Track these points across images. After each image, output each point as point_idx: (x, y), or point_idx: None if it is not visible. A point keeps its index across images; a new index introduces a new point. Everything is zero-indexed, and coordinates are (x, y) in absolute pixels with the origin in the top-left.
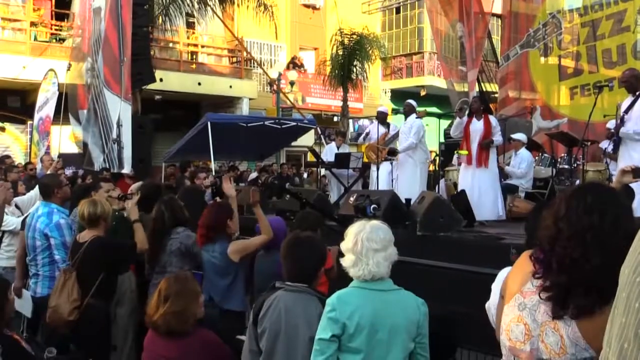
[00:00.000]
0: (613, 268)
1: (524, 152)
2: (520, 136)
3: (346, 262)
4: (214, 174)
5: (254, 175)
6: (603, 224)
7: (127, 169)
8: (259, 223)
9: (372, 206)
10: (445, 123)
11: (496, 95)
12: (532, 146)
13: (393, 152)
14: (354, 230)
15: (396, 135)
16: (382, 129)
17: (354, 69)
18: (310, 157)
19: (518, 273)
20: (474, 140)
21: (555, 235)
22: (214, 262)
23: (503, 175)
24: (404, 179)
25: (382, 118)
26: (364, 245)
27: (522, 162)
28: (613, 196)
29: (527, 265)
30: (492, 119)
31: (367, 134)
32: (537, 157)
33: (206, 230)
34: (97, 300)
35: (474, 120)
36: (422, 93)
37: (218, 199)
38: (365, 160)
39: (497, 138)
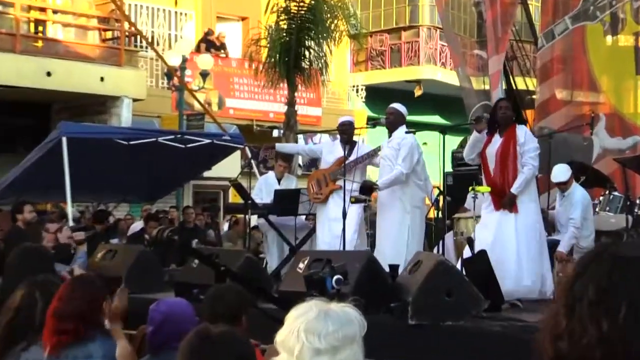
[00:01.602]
0: None
1: (576, 190)
2: (560, 173)
3: None
4: (71, 224)
5: (137, 226)
6: None
7: None
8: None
9: (336, 277)
10: (454, 141)
11: (535, 97)
12: (593, 179)
13: (368, 189)
14: (293, 316)
15: (367, 158)
16: (340, 150)
17: (307, 53)
18: (233, 197)
19: None
20: (493, 169)
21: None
22: None
23: (546, 226)
24: (387, 233)
25: (346, 133)
26: (300, 340)
27: (574, 206)
28: None
29: None
30: (521, 131)
31: (318, 159)
32: (601, 197)
33: (71, 323)
34: None
35: (497, 137)
36: (418, 92)
37: (76, 268)
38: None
39: (529, 162)
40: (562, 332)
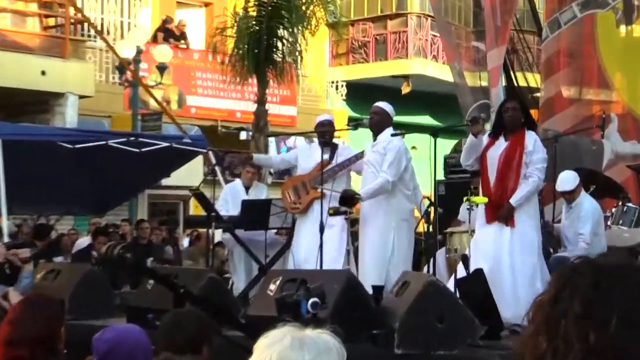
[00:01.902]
0: None
1: (585, 201)
2: (566, 181)
3: None
4: (6, 239)
5: (83, 242)
6: None
7: None
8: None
9: (312, 300)
10: (446, 144)
11: (538, 95)
12: (604, 188)
13: (348, 199)
14: (264, 344)
15: (350, 164)
16: (319, 154)
17: (279, 44)
18: (195, 208)
19: None
20: (493, 177)
21: None
22: None
23: (552, 241)
24: (370, 250)
25: (324, 135)
26: None
27: (582, 220)
28: None
29: None
30: (530, 137)
31: (292, 168)
32: (613, 209)
33: (26, 350)
34: None
35: (501, 141)
36: (406, 89)
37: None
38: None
39: (534, 174)
40: (544, 352)
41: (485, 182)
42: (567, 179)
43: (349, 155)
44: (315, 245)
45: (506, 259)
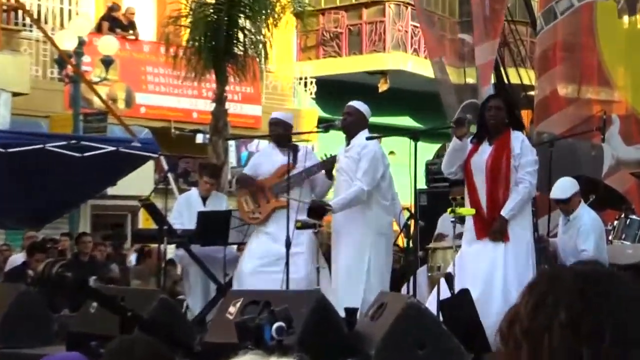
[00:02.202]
0: None
1: (584, 213)
2: (560, 188)
3: None
4: None
5: (17, 259)
6: None
7: None
8: None
9: (277, 325)
10: (429, 149)
11: (532, 93)
12: (604, 198)
13: (318, 211)
14: None
15: (312, 172)
16: (280, 157)
17: (241, 36)
18: (144, 221)
19: None
20: (481, 187)
21: None
22: None
23: (547, 258)
24: (343, 268)
25: (280, 134)
26: None
27: (583, 235)
28: None
29: None
30: (517, 139)
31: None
32: (615, 222)
33: None
34: None
35: (485, 146)
36: (383, 87)
37: None
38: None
39: (525, 179)
40: None
41: (473, 193)
42: (563, 186)
43: (314, 160)
44: (274, 261)
45: (499, 282)
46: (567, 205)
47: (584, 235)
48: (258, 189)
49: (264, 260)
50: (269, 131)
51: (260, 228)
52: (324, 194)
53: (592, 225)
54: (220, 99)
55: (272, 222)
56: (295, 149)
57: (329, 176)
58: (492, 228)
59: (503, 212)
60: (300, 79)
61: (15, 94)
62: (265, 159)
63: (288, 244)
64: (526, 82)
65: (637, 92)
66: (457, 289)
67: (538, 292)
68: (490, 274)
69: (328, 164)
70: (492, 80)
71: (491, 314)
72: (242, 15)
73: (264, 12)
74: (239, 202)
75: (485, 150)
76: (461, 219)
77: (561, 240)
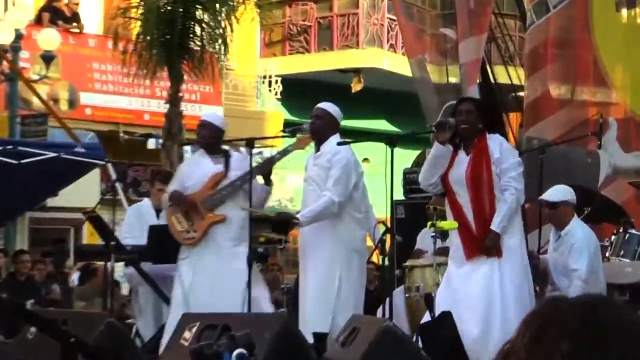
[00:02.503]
0: None
1: (577, 229)
2: (559, 193)
3: None
4: None
5: None
6: None
7: None
8: None
9: (237, 352)
10: (407, 156)
11: (522, 94)
12: (601, 211)
13: (284, 225)
14: None
15: (248, 179)
16: (211, 165)
17: (198, 30)
18: (89, 236)
19: None
20: (465, 202)
21: None
22: None
23: (537, 277)
24: (312, 288)
25: (209, 136)
26: None
27: (575, 253)
28: None
29: None
30: (494, 142)
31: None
32: (613, 237)
33: None
34: None
35: (462, 156)
36: (356, 87)
37: None
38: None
39: (510, 185)
40: None
41: (457, 209)
42: (556, 190)
43: (242, 170)
44: (222, 287)
45: (497, 317)
46: (555, 212)
47: (576, 253)
48: (190, 206)
49: (207, 286)
50: (197, 135)
51: (194, 251)
52: (262, 202)
53: (586, 243)
54: (175, 99)
55: (209, 242)
56: (227, 155)
57: (267, 182)
58: (485, 246)
59: (493, 227)
60: (265, 77)
61: None
62: (194, 168)
63: (250, 261)
64: (515, 82)
65: (637, 94)
66: (438, 311)
67: (537, 324)
68: (487, 308)
69: (265, 168)
70: (478, 79)
71: (490, 352)
72: (199, 6)
73: (223, 3)
74: (170, 221)
75: (463, 160)
76: (443, 234)
77: (552, 257)
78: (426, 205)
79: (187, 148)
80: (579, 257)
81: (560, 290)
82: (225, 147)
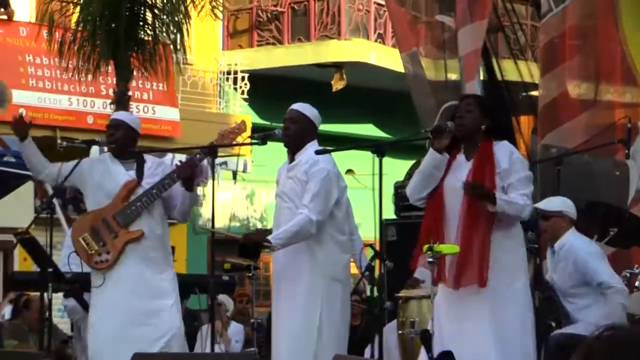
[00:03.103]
0: None
1: (573, 238)
2: (554, 203)
3: None
4: None
5: None
6: None
7: None
8: None
9: None
10: (398, 166)
11: (535, 94)
12: (629, 234)
13: (253, 247)
14: None
15: (166, 186)
16: (122, 172)
17: (149, 16)
18: (21, 262)
19: None
20: (452, 213)
21: None
22: None
23: (553, 310)
24: (287, 324)
25: (123, 138)
26: None
27: (582, 264)
28: None
29: None
30: (503, 150)
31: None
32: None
33: None
34: None
35: (461, 161)
36: (338, 84)
37: None
38: None
39: (517, 202)
40: None
41: (440, 222)
42: (553, 199)
43: (163, 173)
44: (141, 318)
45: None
46: (547, 223)
47: (587, 265)
48: (98, 222)
49: (128, 318)
50: (107, 136)
51: (109, 274)
52: (186, 212)
53: (589, 249)
54: (122, 99)
55: (124, 264)
56: (140, 160)
57: (188, 187)
58: (469, 185)
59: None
60: (229, 73)
61: None
62: (104, 177)
63: (214, 292)
64: (527, 78)
65: None
66: (437, 350)
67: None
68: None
69: (183, 171)
70: (481, 75)
71: None
72: None
73: None
74: (77, 244)
75: (462, 165)
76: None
77: (551, 279)
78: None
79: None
80: (593, 265)
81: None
82: (138, 151)
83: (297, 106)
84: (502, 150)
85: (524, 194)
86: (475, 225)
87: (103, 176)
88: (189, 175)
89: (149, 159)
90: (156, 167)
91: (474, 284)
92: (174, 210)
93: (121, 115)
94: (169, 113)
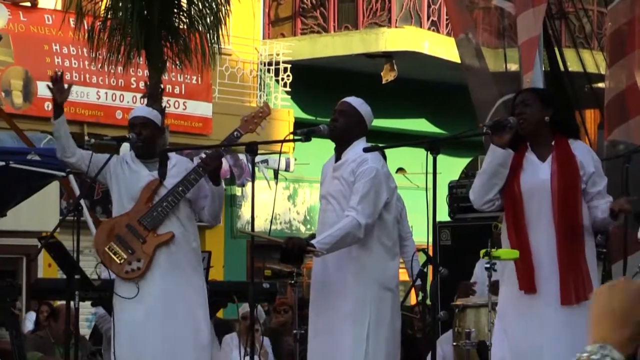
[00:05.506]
0: None
1: None
2: None
3: None
4: None
5: None
6: None
7: None
8: None
9: None
10: (453, 164)
11: (601, 86)
12: None
13: (294, 254)
14: None
15: (192, 182)
16: (145, 172)
17: (184, 3)
18: (46, 267)
19: None
20: (536, 219)
21: None
22: None
23: None
24: (332, 339)
25: (150, 137)
26: None
27: None
28: None
29: None
30: (584, 152)
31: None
32: None
33: None
34: None
35: (532, 159)
36: (388, 76)
37: None
38: None
39: (600, 208)
40: None
41: (519, 226)
42: None
43: (187, 169)
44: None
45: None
46: None
47: None
48: (123, 229)
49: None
50: (136, 136)
51: (143, 284)
52: (216, 212)
53: None
54: (154, 92)
55: (154, 271)
56: (164, 158)
57: (215, 181)
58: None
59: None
60: (270, 64)
61: None
62: (132, 178)
63: (254, 301)
64: (591, 69)
65: None
66: None
67: None
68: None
69: (209, 164)
70: (542, 65)
71: None
72: None
73: None
74: (105, 255)
75: (537, 166)
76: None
77: None
78: (492, 224)
79: (171, 154)
80: None
81: None
82: (166, 149)
83: (350, 99)
84: (582, 151)
85: (609, 200)
86: (571, 234)
87: (127, 178)
88: (215, 167)
89: (174, 157)
90: (180, 166)
91: (587, 299)
92: (203, 212)
93: (144, 111)
94: (201, 108)
